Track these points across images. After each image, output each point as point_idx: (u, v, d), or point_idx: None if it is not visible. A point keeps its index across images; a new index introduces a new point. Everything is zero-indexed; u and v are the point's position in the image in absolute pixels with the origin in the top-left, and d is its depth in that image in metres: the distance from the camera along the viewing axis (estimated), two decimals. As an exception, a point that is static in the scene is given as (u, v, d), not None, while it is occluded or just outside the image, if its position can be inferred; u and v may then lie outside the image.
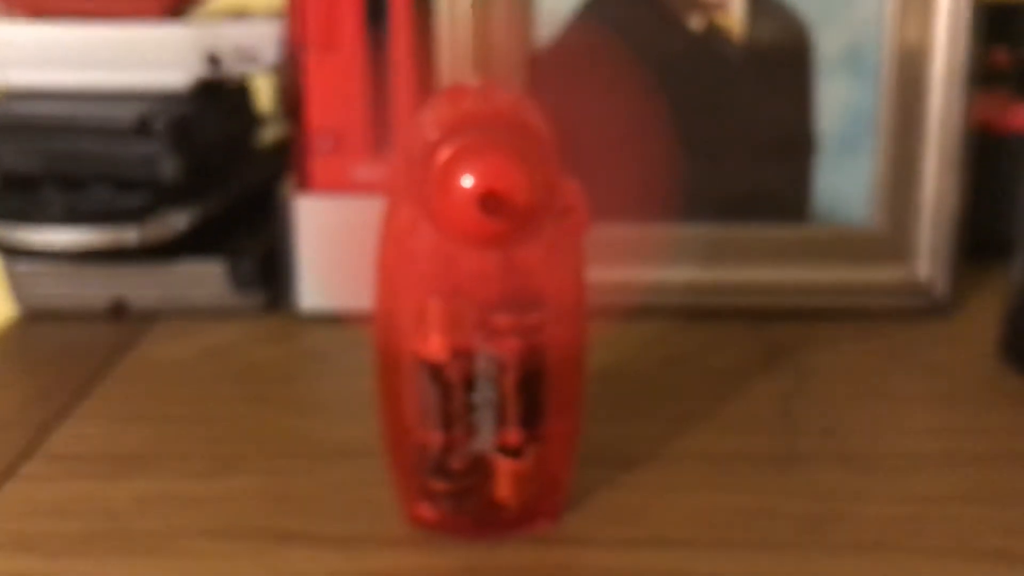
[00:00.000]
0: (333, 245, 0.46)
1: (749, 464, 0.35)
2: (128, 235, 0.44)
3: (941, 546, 0.31)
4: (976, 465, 0.35)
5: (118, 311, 0.46)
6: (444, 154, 0.25)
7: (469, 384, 0.29)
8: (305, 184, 0.46)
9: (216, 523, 0.32)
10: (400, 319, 0.29)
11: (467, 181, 0.25)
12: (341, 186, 0.46)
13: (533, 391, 0.30)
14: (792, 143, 0.48)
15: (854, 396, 0.40)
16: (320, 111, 0.45)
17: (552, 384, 0.30)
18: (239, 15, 0.49)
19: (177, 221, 0.46)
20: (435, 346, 0.29)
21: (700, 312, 0.47)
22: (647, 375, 0.42)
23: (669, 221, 0.47)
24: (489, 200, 0.25)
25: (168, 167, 0.44)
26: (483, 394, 0.29)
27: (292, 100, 0.45)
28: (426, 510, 0.31)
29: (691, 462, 0.35)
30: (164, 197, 0.45)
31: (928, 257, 0.47)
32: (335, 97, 0.45)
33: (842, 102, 0.47)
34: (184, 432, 0.37)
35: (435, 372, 0.29)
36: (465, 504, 0.31)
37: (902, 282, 0.47)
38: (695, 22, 0.46)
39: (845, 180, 0.48)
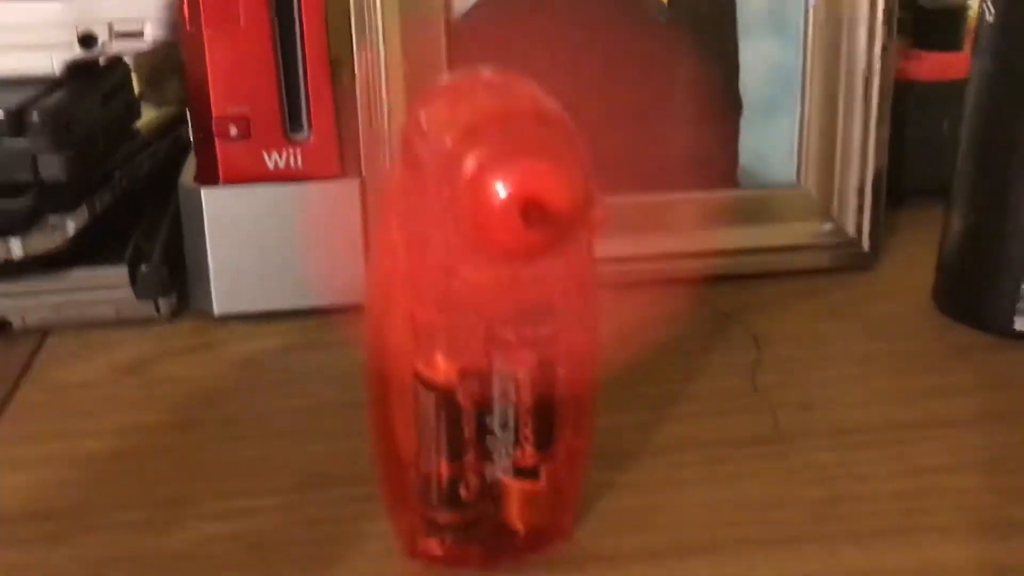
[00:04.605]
0: (246, 240, 0.42)
1: (741, 449, 0.34)
2: (12, 247, 0.39)
3: (951, 523, 0.30)
4: (962, 430, 0.35)
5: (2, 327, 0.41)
6: (471, 162, 0.22)
7: (481, 407, 0.26)
8: (211, 175, 0.41)
9: (188, 585, 0.28)
10: (397, 340, 0.26)
11: (504, 190, 0.22)
12: (251, 175, 0.41)
13: (547, 407, 0.27)
14: (719, 105, 0.46)
15: (813, 363, 0.40)
16: (224, 93, 0.40)
17: (566, 397, 0.27)
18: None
19: (65, 226, 0.40)
20: (443, 368, 0.26)
21: (637, 283, 0.45)
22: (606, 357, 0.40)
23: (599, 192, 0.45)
24: (531, 209, 0.22)
25: (50, 165, 0.39)
26: (500, 417, 0.26)
27: (192, 81, 0.40)
28: (432, 545, 0.28)
29: (683, 452, 0.34)
30: (47, 200, 0.40)
31: (854, 212, 0.47)
32: (240, 76, 0.40)
33: (766, 62, 0.46)
34: (115, 473, 0.33)
35: (444, 397, 0.26)
36: (475, 534, 0.28)
37: (831, 238, 0.47)
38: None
39: (770, 140, 0.47)
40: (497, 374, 0.26)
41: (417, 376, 0.26)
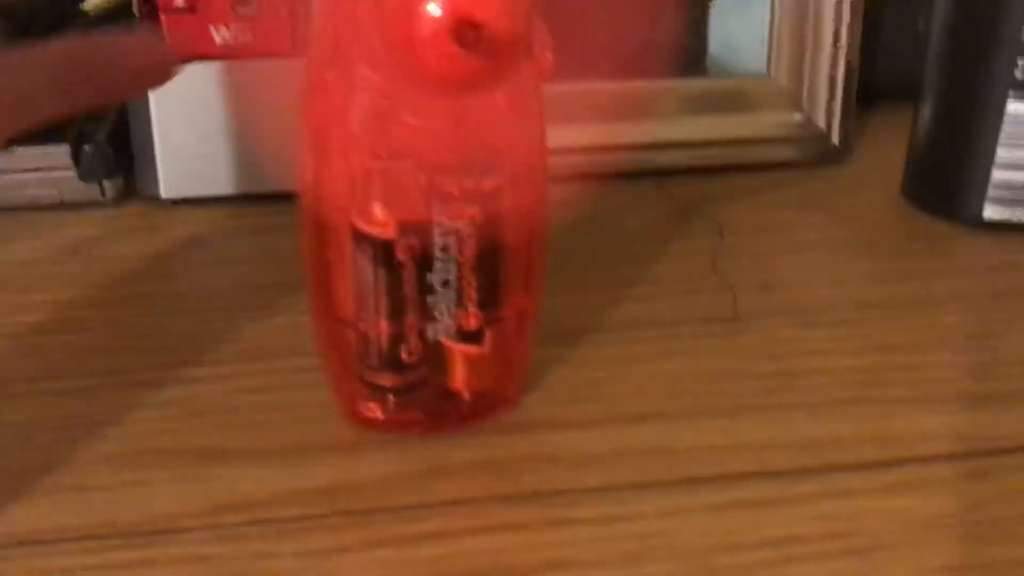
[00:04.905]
0: (194, 121, 0.40)
1: (697, 327, 0.33)
2: (-54, 120, 0.37)
3: (910, 395, 0.30)
4: (927, 311, 0.34)
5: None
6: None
7: (421, 263, 0.25)
8: (156, 51, 0.39)
9: (123, 448, 0.27)
10: (333, 191, 0.25)
11: (436, 8, 0.21)
12: (198, 51, 0.39)
13: (493, 267, 0.26)
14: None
15: (776, 249, 0.39)
16: (168, -37, 0.38)
17: (513, 257, 0.26)
18: None
19: (3, 101, 0.38)
20: (381, 220, 0.25)
21: (603, 174, 0.44)
22: (564, 243, 0.39)
23: (564, 79, 0.44)
24: (465, 30, 0.20)
25: (-14, 36, 0.37)
26: (441, 273, 0.25)
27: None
28: (372, 409, 0.27)
29: (638, 330, 0.33)
30: (-16, 73, 0.38)
31: (824, 105, 0.46)
32: (185, -54, 0.38)
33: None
34: (49, 345, 0.32)
35: (382, 250, 0.25)
36: (417, 399, 0.27)
37: (800, 130, 0.46)
38: None
39: (741, 28, 0.45)
40: (438, 228, 0.25)
41: (354, 228, 0.25)
